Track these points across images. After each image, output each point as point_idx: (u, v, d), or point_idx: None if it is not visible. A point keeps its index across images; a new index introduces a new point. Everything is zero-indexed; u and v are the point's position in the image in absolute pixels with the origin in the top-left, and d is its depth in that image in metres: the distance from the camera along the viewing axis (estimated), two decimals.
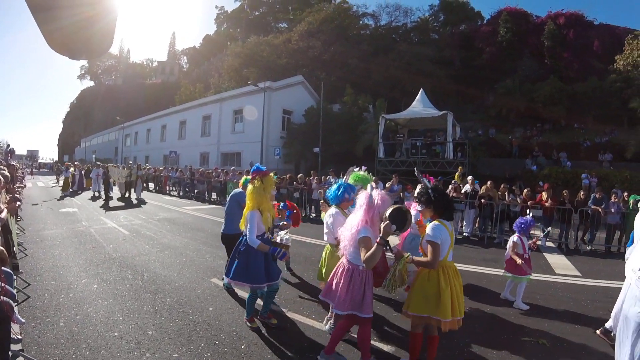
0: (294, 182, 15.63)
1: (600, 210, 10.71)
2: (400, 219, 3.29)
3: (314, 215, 14.46)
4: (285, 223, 6.35)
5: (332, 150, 25.53)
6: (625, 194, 11.82)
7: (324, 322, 4.63)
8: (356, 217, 3.49)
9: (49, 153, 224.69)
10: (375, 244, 3.24)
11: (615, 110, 28.31)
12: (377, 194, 3.51)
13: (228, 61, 42.81)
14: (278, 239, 5.57)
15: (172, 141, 39.42)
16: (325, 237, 4.60)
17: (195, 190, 20.57)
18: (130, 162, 21.93)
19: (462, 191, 12.17)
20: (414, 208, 4.64)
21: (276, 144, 28.36)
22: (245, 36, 48.01)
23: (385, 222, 3.22)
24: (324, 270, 4.57)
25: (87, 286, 5.61)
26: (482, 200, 11.49)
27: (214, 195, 19.49)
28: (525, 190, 12.12)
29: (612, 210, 10.67)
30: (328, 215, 4.48)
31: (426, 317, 3.50)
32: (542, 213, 11.00)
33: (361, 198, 3.55)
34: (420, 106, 22.66)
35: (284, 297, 5.51)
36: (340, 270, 3.64)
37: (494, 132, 28.65)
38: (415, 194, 3.85)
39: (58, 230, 9.86)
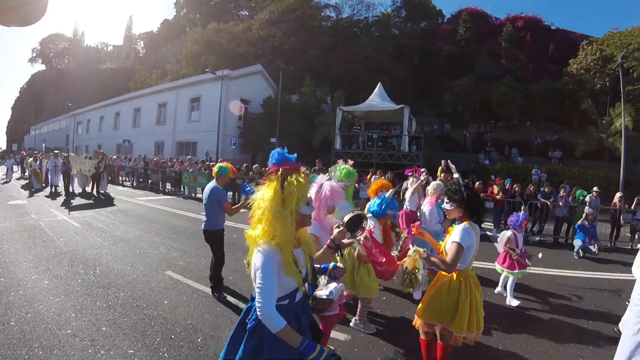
0: (250, 172, 15.18)
1: (548, 203, 11.10)
2: (355, 226, 2.99)
3: None
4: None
5: (290, 141, 25.11)
6: (574, 188, 12.38)
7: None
8: None
9: None
10: (325, 246, 2.93)
11: (566, 111, 29.60)
12: (327, 185, 3.26)
13: (186, 47, 41.50)
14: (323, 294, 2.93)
15: (126, 129, 37.73)
16: None
17: (149, 181, 19.64)
18: (102, 150, 20.32)
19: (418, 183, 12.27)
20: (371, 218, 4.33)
21: (233, 133, 27.71)
22: (205, 22, 46.68)
23: (340, 229, 2.87)
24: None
25: (38, 282, 5.36)
26: (405, 195, 11.74)
27: (168, 186, 18.77)
28: (477, 183, 12.45)
29: (560, 203, 11.09)
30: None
31: (439, 326, 3.24)
32: (493, 205, 11.36)
33: (312, 188, 3.24)
34: (377, 99, 22.70)
35: None
36: None
37: (450, 127, 29.52)
38: (446, 191, 3.44)
39: (6, 223, 9.27)
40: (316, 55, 34.43)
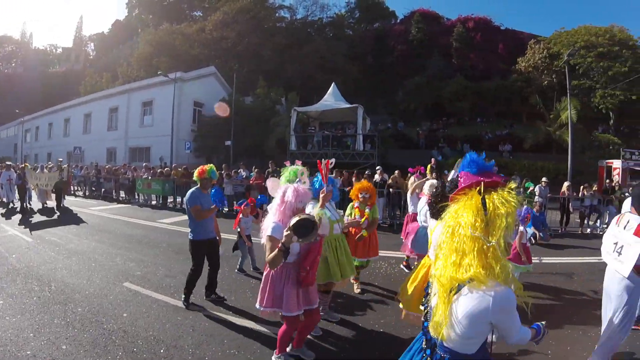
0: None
1: None
2: (302, 230, 3.01)
3: (226, 210, 13.71)
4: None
5: (245, 144, 25.02)
6: (524, 181, 12.88)
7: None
8: (270, 213, 3.39)
9: None
10: (277, 249, 3.07)
11: (515, 106, 31.18)
12: (291, 188, 3.31)
13: (138, 49, 40.43)
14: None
15: (76, 136, 36.07)
16: None
17: (102, 189, 18.84)
18: (61, 159, 19.08)
19: (372, 181, 12.44)
20: None
21: (187, 137, 27.19)
22: (158, 23, 45.48)
23: (287, 232, 3.01)
24: None
25: None
26: (391, 190, 12.08)
27: (122, 194, 18.06)
28: (424, 179, 12.59)
29: None
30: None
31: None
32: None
33: (277, 192, 3.41)
34: (331, 99, 22.86)
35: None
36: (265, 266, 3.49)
37: (403, 125, 30.30)
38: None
39: None
40: (270, 56, 34.33)
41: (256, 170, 14.29)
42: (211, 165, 5.34)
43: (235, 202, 13.93)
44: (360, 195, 5.46)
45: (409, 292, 3.42)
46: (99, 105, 34.44)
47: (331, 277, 4.24)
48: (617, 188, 13.54)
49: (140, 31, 48.04)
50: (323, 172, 4.27)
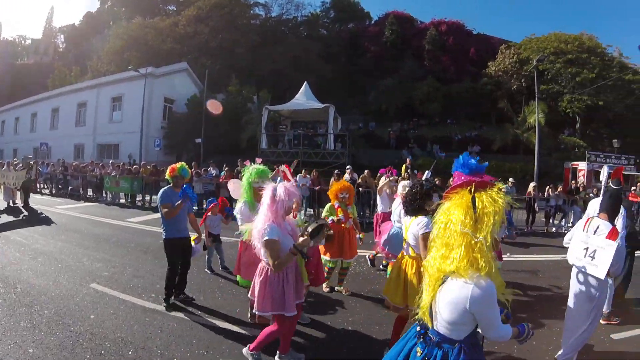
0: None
1: None
2: (319, 235, 3.23)
3: (195, 209, 13.74)
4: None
5: (215, 141, 24.88)
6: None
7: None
8: (260, 214, 3.29)
9: None
10: (288, 252, 3.15)
11: (485, 109, 31.87)
12: (282, 189, 3.27)
13: (109, 43, 39.49)
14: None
15: (43, 132, 34.87)
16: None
17: (69, 187, 18.28)
18: (30, 156, 18.38)
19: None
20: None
21: (157, 134, 26.81)
22: (131, 17, 44.35)
23: (305, 238, 3.14)
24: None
25: None
26: (360, 189, 12.29)
27: (89, 192, 17.65)
28: (399, 178, 12.82)
29: None
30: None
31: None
32: None
33: (266, 193, 3.31)
34: (303, 99, 22.95)
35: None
36: (259, 268, 3.49)
37: (374, 125, 30.76)
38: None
39: None
40: (243, 54, 34.05)
41: (227, 168, 14.28)
42: (182, 163, 5.28)
43: (205, 201, 14.01)
44: (340, 195, 5.55)
45: (395, 286, 3.76)
46: (67, 100, 33.53)
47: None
48: (581, 189, 14.23)
49: (112, 24, 46.94)
50: (287, 176, 4.36)
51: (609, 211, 3.76)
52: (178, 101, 29.73)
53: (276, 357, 3.72)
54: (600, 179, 11.04)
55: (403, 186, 5.63)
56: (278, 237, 3.16)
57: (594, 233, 3.66)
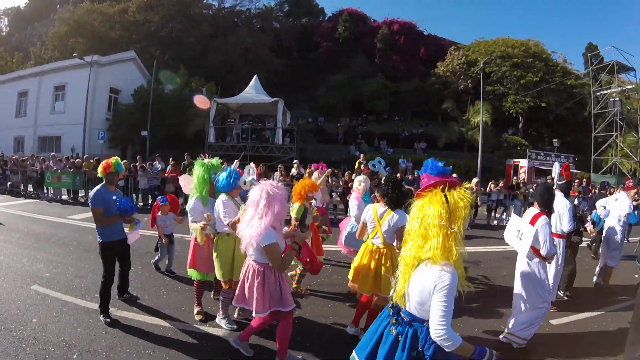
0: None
1: (412, 189, 12.07)
2: (307, 219, 3.43)
3: (140, 204, 13.31)
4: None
5: (162, 134, 24.31)
6: None
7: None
8: (255, 215, 3.16)
9: None
10: (290, 250, 3.23)
11: (432, 107, 33.30)
12: (273, 187, 3.21)
13: (54, 28, 37.48)
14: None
15: None
16: (217, 226, 4.28)
17: (8, 183, 17.15)
18: None
19: (290, 175, 12.91)
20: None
21: (101, 126, 25.61)
22: (78, 0, 42.47)
23: (298, 229, 3.30)
24: (215, 257, 4.29)
25: None
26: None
27: (30, 188, 16.52)
28: (347, 173, 13.27)
29: None
30: (219, 202, 4.16)
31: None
32: None
33: (256, 192, 3.21)
34: (253, 92, 22.97)
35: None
36: (251, 272, 3.37)
37: (323, 120, 31.31)
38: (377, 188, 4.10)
39: None
40: (193, 44, 33.41)
41: (172, 162, 13.83)
42: (116, 158, 4.69)
43: (149, 196, 13.66)
44: (309, 195, 5.28)
45: (364, 275, 4.01)
46: (7, 89, 30.97)
47: (233, 274, 4.15)
48: (522, 185, 15.05)
49: (58, 8, 44.59)
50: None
51: (541, 201, 4.24)
52: (124, 92, 28.61)
53: (232, 342, 3.76)
54: (553, 175, 12.09)
55: (359, 181, 5.84)
56: (277, 240, 3.16)
57: (524, 218, 4.25)
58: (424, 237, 2.11)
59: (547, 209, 4.23)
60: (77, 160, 16.24)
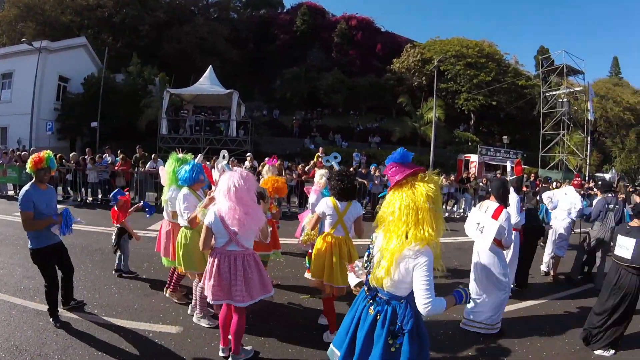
0: (63, 161, 13.34)
1: (365, 182, 12.79)
2: (265, 197, 3.89)
3: (90, 199, 13.07)
4: None
5: (113, 126, 23.77)
6: None
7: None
8: (236, 206, 3.22)
9: None
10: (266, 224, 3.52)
11: (386, 102, 34.19)
12: (240, 174, 3.29)
13: (2, 11, 35.42)
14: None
15: None
16: (180, 220, 4.26)
17: None
18: None
19: (243, 167, 13.01)
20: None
21: (49, 117, 24.53)
22: None
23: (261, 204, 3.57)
24: (180, 253, 4.25)
25: None
26: (260, 176, 12.66)
27: None
28: (300, 166, 13.57)
29: (376, 182, 12.93)
30: (180, 196, 4.17)
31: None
32: None
33: (223, 182, 3.27)
34: (207, 83, 22.68)
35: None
36: (227, 264, 3.37)
37: (278, 113, 31.63)
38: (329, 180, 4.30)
39: None
40: (148, 32, 32.42)
41: (122, 155, 13.39)
42: (49, 152, 4.26)
43: (99, 190, 13.26)
44: (275, 195, 5.37)
45: (321, 264, 4.13)
46: None
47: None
48: (472, 179, 15.78)
49: None
50: (211, 173, 4.42)
51: (497, 195, 4.53)
52: (74, 80, 27.34)
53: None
54: (508, 171, 12.85)
55: (320, 175, 5.85)
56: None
57: (485, 212, 4.48)
58: (416, 222, 2.19)
59: (503, 202, 4.52)
60: (23, 153, 15.30)
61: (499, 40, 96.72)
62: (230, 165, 4.48)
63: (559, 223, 7.06)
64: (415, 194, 2.22)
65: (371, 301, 2.43)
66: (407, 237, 2.20)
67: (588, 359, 4.26)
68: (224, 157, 5.01)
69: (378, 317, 2.36)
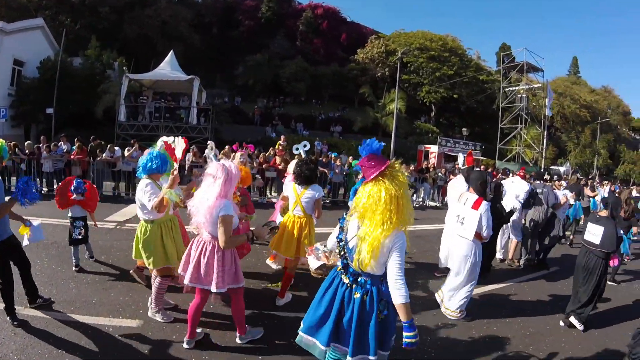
0: (17, 149, 12.65)
1: (326, 171, 13.03)
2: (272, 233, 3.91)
3: (45, 190, 12.41)
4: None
5: (69, 112, 23.07)
6: (350, 158, 14.76)
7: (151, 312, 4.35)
8: (212, 190, 3.25)
9: None
10: (243, 234, 3.49)
11: (349, 92, 34.78)
12: (231, 165, 3.38)
13: None
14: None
15: None
16: (140, 213, 4.19)
17: None
18: None
19: (203, 156, 13.06)
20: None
21: (2, 102, 22.98)
22: None
23: (263, 229, 3.60)
24: (140, 247, 4.20)
25: None
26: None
27: None
28: (261, 154, 13.67)
29: (337, 171, 13.39)
30: (141, 186, 4.00)
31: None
32: (276, 175, 12.79)
33: (213, 169, 3.32)
34: (168, 68, 22.27)
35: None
36: (209, 248, 3.41)
37: (240, 100, 31.67)
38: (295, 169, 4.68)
39: None
40: (107, 14, 31.27)
41: (78, 143, 12.94)
42: (1, 140, 4.03)
43: (55, 181, 12.51)
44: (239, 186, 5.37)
45: (287, 241, 4.59)
46: None
47: (169, 261, 4.14)
48: (431, 169, 16.44)
49: None
50: (175, 153, 4.35)
51: (476, 187, 4.73)
52: (29, 64, 25.92)
53: (237, 340, 3.84)
54: (459, 163, 13.21)
55: (294, 164, 6.08)
56: (234, 214, 3.32)
57: (464, 204, 4.70)
58: (398, 209, 2.41)
59: (482, 195, 4.72)
60: None
61: (462, 35, 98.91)
62: (217, 155, 4.73)
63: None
64: (397, 183, 2.44)
65: (354, 285, 2.61)
66: (391, 223, 2.39)
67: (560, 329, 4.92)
68: (212, 149, 5.30)
69: (365, 297, 2.56)
